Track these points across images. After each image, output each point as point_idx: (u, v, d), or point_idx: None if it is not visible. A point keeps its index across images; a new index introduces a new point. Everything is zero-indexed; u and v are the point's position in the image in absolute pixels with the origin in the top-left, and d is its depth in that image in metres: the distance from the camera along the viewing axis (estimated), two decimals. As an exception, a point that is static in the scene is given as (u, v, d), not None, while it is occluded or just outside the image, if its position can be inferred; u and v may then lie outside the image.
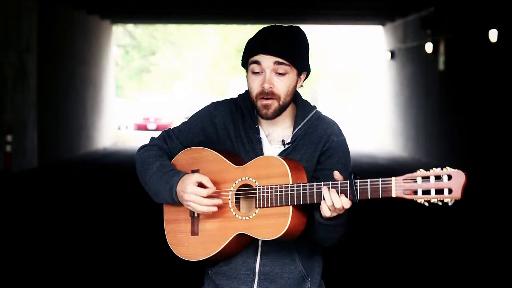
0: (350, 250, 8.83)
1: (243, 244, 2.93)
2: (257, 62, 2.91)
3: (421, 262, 8.58)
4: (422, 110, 22.48)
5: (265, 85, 2.89)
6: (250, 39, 2.98)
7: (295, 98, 3.01)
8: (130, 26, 42.20)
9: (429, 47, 20.72)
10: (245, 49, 2.97)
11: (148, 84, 48.73)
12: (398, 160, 22.24)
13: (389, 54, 25.83)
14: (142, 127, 36.38)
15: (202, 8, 23.31)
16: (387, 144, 26.73)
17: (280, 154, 2.96)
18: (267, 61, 2.90)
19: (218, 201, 2.86)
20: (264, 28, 2.98)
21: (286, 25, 2.99)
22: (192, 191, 2.85)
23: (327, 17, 25.59)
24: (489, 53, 16.70)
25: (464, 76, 18.53)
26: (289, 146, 2.96)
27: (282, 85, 2.91)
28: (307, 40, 2.97)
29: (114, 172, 17.98)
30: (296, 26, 2.98)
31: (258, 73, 2.92)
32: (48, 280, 7.51)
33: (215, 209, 2.86)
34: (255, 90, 2.92)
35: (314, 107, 3.05)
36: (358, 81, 40.90)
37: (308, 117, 2.99)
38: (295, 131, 2.97)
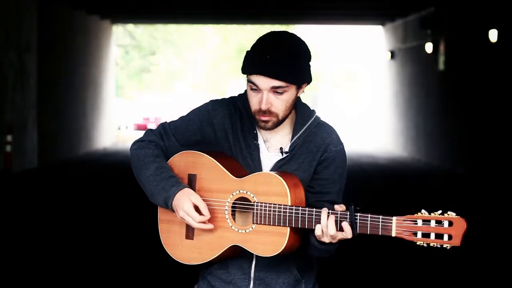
0: (345, 251, 8.84)
1: (238, 252, 2.94)
2: (254, 82, 2.85)
3: (419, 261, 8.58)
4: (422, 110, 22.48)
5: (263, 105, 2.85)
6: (249, 52, 2.89)
7: (295, 102, 2.95)
8: (130, 26, 42.19)
9: (429, 47, 20.72)
10: (243, 61, 2.90)
11: (148, 84, 48.74)
12: (398, 160, 22.23)
13: (389, 54, 25.83)
14: (142, 127, 36.38)
15: (202, 8, 23.31)
16: (387, 144, 26.73)
17: (278, 163, 2.93)
18: (264, 83, 2.83)
19: (210, 226, 2.86)
20: (262, 39, 2.88)
21: (286, 31, 2.90)
22: (187, 212, 2.85)
23: (327, 17, 25.58)
24: (489, 53, 16.70)
25: (464, 76, 18.53)
26: (287, 155, 2.93)
27: (280, 103, 2.86)
28: (307, 50, 2.88)
29: (114, 172, 17.98)
30: (295, 36, 2.88)
31: (256, 89, 2.87)
32: (48, 280, 7.51)
33: (209, 228, 2.88)
34: (254, 106, 2.89)
35: (313, 112, 3.00)
36: (358, 81, 40.90)
37: (307, 124, 2.95)
38: (293, 140, 2.93)
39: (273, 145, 2.97)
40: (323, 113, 41.47)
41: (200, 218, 2.84)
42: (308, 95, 45.20)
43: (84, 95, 23.82)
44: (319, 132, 2.96)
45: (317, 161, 2.94)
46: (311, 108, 3.02)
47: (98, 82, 25.90)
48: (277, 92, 2.84)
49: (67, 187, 15.00)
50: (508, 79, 15.66)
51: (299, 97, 2.98)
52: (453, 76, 19.40)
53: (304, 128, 2.94)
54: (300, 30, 42.72)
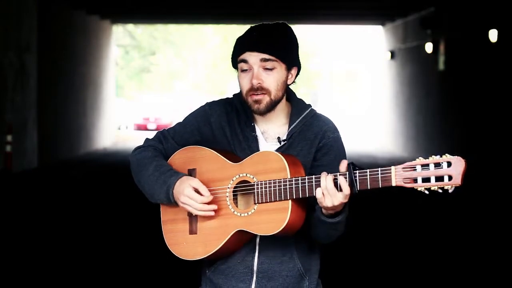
0: (348, 249, 8.84)
1: (242, 242, 2.93)
2: (244, 61, 2.92)
3: (420, 260, 8.57)
4: (422, 110, 22.48)
5: (254, 81, 2.90)
6: (237, 39, 2.98)
7: (290, 96, 3.02)
8: (130, 26, 42.19)
9: (429, 47, 20.72)
10: (233, 49, 2.98)
11: (148, 84, 48.75)
12: (398, 160, 22.21)
13: (389, 54, 25.83)
14: (142, 127, 36.38)
15: (202, 8, 23.32)
16: (387, 144, 26.73)
17: (277, 151, 2.94)
18: (253, 58, 2.90)
19: (213, 207, 2.86)
20: (250, 27, 2.99)
21: (273, 22, 3.00)
22: (188, 195, 2.86)
23: (327, 17, 25.60)
24: (489, 53, 16.70)
25: (464, 76, 18.53)
26: (285, 143, 2.96)
27: (271, 80, 2.91)
28: (294, 36, 2.97)
29: (114, 172, 17.98)
30: (282, 22, 2.98)
31: (246, 70, 2.93)
32: (48, 280, 7.51)
33: (212, 213, 2.87)
34: (245, 87, 2.93)
35: (309, 105, 3.05)
36: (358, 81, 40.90)
37: (303, 114, 3.00)
38: (290, 128, 2.97)
39: (270, 135, 3.00)
40: (323, 113, 41.34)
41: (202, 199, 2.85)
42: (308, 95, 45.22)
43: (84, 95, 23.82)
44: (315, 121, 3.01)
45: (316, 147, 2.97)
46: (307, 103, 3.08)
47: (98, 82, 25.90)
48: (267, 69, 2.90)
49: (67, 187, 15.00)
50: (508, 79, 15.66)
51: (293, 92, 3.04)
52: (453, 76, 19.40)
53: (301, 117, 2.99)
54: (300, 30, 42.74)
